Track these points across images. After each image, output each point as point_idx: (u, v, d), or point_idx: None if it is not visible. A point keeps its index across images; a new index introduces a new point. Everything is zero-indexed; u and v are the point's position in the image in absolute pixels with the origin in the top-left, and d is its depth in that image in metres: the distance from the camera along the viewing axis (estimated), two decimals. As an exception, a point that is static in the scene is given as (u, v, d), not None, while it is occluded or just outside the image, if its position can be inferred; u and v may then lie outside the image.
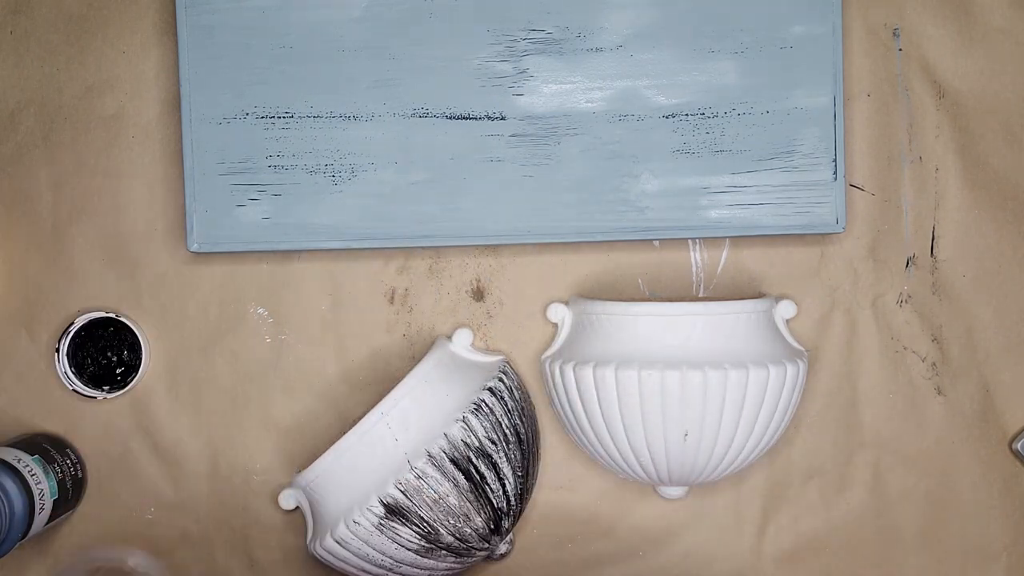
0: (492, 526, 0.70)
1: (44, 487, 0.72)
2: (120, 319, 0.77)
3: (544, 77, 0.76)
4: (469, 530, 0.69)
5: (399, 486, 0.67)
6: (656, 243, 0.78)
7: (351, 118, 0.76)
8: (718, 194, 0.76)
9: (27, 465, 0.72)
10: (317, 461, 0.70)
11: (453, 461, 0.68)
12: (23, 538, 0.71)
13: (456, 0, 0.76)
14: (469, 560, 0.72)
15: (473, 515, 0.69)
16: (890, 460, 0.78)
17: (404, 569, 0.70)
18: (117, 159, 0.78)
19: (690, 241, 0.78)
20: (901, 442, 0.78)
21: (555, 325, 0.77)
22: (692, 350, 0.70)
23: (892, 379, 0.78)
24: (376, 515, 0.68)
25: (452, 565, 0.71)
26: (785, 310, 0.75)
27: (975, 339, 0.78)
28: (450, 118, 0.76)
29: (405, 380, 0.70)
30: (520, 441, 0.71)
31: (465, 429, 0.68)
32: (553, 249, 0.78)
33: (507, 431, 0.70)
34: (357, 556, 0.69)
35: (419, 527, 0.68)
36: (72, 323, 0.77)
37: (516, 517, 0.73)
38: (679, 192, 0.76)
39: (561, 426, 0.78)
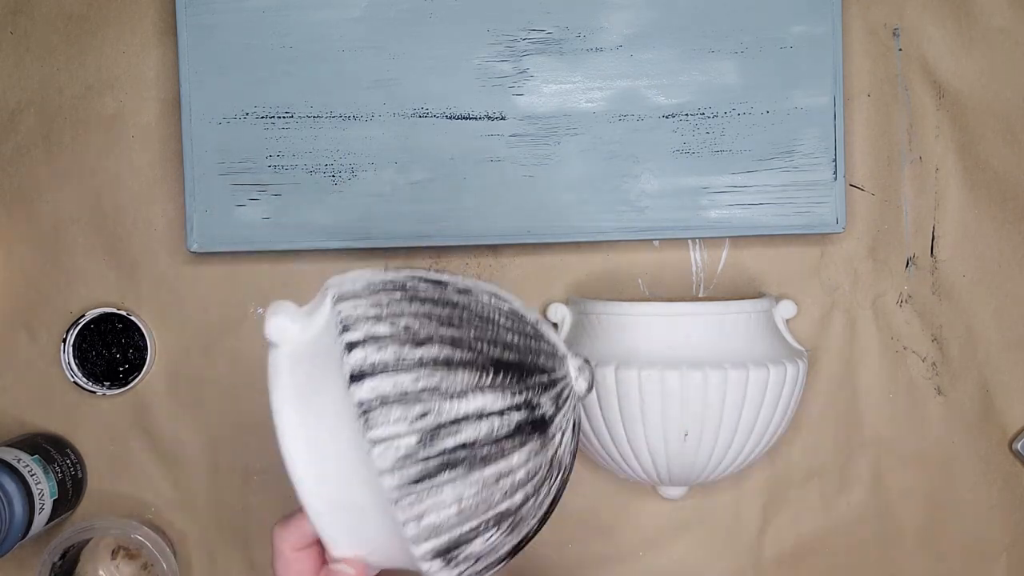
0: (537, 432, 0.48)
1: (44, 487, 0.73)
2: (131, 317, 0.77)
3: (544, 77, 0.76)
4: (522, 471, 0.48)
5: (416, 539, 0.47)
6: (656, 243, 0.78)
7: (351, 118, 0.76)
8: (718, 194, 0.76)
9: (27, 465, 0.72)
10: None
11: (419, 479, 0.46)
12: (23, 538, 0.71)
13: (456, 0, 0.76)
14: (559, 457, 0.50)
15: (505, 463, 0.48)
16: (890, 460, 0.78)
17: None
18: (117, 159, 0.78)
19: (690, 241, 0.78)
20: (901, 442, 0.78)
21: (555, 325, 0.77)
22: (692, 350, 0.70)
23: (892, 379, 0.78)
24: (440, 567, 0.48)
25: (549, 483, 0.50)
26: (785, 310, 0.75)
27: (975, 339, 0.78)
28: (450, 118, 0.76)
29: (289, 462, 0.47)
30: (447, 362, 0.47)
31: (386, 448, 0.46)
32: (553, 249, 0.78)
33: (421, 383, 0.46)
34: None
35: (481, 530, 0.48)
36: (83, 315, 0.77)
37: (549, 381, 0.50)
38: (679, 192, 0.76)
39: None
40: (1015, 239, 0.78)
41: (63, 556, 0.76)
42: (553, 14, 0.75)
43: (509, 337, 0.49)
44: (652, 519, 0.79)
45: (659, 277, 0.78)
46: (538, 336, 0.50)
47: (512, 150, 0.76)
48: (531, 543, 0.75)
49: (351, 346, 0.47)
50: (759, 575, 0.79)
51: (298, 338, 0.49)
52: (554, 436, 0.49)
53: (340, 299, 0.48)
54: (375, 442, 0.46)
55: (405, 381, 0.46)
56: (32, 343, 0.79)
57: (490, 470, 0.47)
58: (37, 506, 0.71)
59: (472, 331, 0.48)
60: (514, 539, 0.50)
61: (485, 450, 0.47)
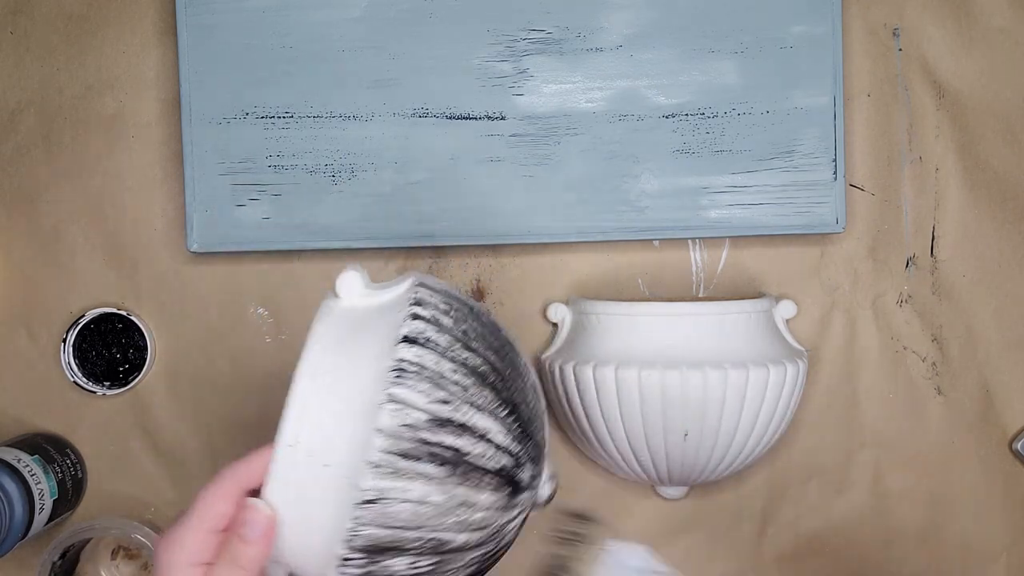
0: (510, 488, 0.50)
1: (44, 487, 0.73)
2: (131, 317, 0.77)
3: (544, 77, 0.76)
4: (481, 514, 0.49)
5: (360, 520, 0.47)
6: (656, 243, 0.78)
7: (351, 118, 0.76)
8: (718, 194, 0.76)
9: (27, 465, 0.72)
10: None
11: (407, 455, 0.47)
12: (23, 538, 0.71)
13: (456, 0, 0.76)
14: (505, 532, 0.52)
15: (475, 494, 0.49)
16: (890, 460, 0.78)
17: None
18: (117, 159, 0.78)
19: (690, 241, 0.78)
20: (901, 442, 0.78)
21: (555, 325, 0.77)
22: (692, 350, 0.70)
23: (892, 379, 0.78)
24: (357, 568, 0.48)
25: (485, 548, 0.52)
26: (785, 310, 0.75)
27: (975, 339, 0.78)
28: (450, 118, 0.76)
29: (295, 386, 0.50)
30: (482, 375, 0.50)
31: (398, 410, 0.47)
32: (553, 249, 0.78)
33: (455, 376, 0.49)
34: None
35: (416, 547, 0.49)
36: (83, 315, 0.77)
37: (536, 457, 0.52)
38: (679, 192, 0.76)
39: (561, 426, 0.78)
40: (1015, 239, 0.78)
41: (63, 556, 0.76)
42: (553, 14, 0.75)
43: (529, 398, 0.53)
44: (652, 519, 0.79)
45: (659, 277, 0.78)
46: (542, 423, 0.54)
47: (512, 150, 0.76)
48: (527, 546, 0.74)
49: (416, 316, 0.50)
50: (759, 575, 0.79)
51: (358, 301, 0.52)
52: (514, 508, 0.51)
53: (421, 285, 0.52)
54: (391, 399, 0.47)
55: (445, 367, 0.49)
56: (32, 343, 0.79)
57: (461, 491, 0.48)
58: (37, 506, 0.71)
59: (508, 370, 0.52)
60: None
61: (467, 468, 0.49)
